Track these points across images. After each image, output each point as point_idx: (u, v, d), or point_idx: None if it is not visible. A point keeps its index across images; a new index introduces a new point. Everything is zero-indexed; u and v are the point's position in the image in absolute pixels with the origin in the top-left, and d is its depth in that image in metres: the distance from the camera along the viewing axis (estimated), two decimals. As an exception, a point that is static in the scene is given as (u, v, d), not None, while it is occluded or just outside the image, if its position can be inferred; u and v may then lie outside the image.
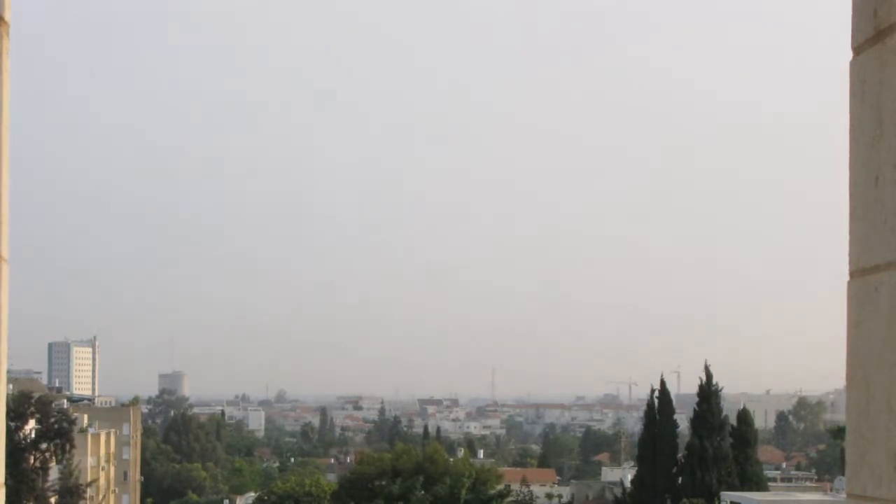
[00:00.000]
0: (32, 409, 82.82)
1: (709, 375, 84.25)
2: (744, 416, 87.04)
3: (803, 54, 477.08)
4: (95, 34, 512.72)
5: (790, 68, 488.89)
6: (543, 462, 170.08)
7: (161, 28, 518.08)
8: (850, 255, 3.57)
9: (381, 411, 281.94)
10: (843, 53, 3.62)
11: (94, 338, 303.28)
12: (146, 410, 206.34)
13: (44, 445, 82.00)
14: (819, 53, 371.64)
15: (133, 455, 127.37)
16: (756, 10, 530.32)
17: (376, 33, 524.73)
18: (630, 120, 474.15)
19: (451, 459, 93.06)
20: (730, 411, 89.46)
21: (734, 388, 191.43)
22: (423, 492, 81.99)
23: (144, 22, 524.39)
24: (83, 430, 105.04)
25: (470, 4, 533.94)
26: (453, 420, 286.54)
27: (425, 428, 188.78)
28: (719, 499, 77.09)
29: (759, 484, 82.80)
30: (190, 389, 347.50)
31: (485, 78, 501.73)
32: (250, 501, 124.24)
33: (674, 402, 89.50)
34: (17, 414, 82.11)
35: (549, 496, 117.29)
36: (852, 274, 3.55)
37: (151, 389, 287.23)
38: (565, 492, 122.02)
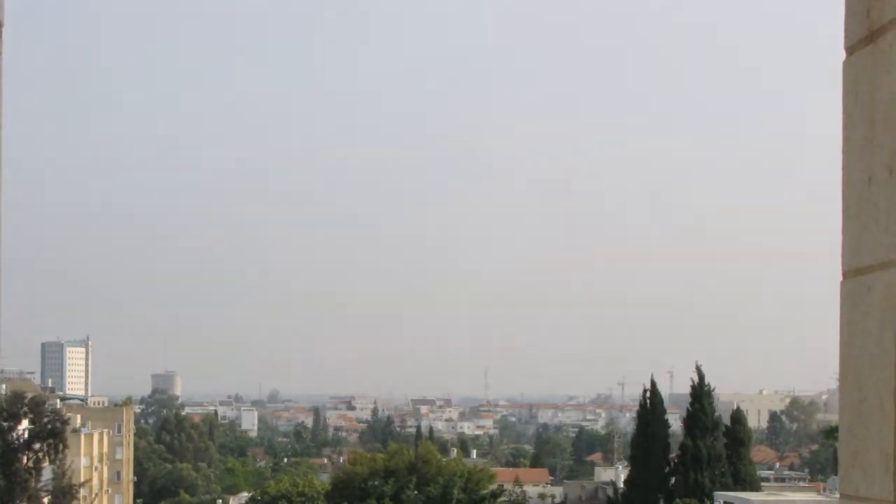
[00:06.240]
0: (25, 409, 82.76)
1: (700, 375, 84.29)
2: (737, 416, 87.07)
3: (800, 53, 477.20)
4: (94, 34, 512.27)
5: (787, 67, 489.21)
6: (536, 462, 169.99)
7: (167, 30, 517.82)
8: (844, 255, 3.57)
9: (374, 411, 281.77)
10: (838, 53, 3.62)
11: (88, 338, 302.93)
12: (139, 410, 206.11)
13: (37, 445, 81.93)
14: (816, 53, 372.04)
15: (126, 455, 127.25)
16: (752, 10, 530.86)
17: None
18: (628, 120, 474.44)
19: (444, 460, 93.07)
20: (723, 411, 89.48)
21: (727, 388, 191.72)
22: (415, 492, 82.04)
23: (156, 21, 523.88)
24: (76, 431, 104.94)
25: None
26: (446, 420, 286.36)
27: (418, 428, 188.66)
28: (712, 499, 77.12)
29: (752, 484, 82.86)
30: (182, 389, 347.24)
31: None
32: (243, 502, 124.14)
33: (667, 402, 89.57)
34: (10, 414, 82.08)
35: (543, 496, 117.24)
36: (845, 274, 3.55)
37: (144, 389, 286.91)
38: (558, 492, 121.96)
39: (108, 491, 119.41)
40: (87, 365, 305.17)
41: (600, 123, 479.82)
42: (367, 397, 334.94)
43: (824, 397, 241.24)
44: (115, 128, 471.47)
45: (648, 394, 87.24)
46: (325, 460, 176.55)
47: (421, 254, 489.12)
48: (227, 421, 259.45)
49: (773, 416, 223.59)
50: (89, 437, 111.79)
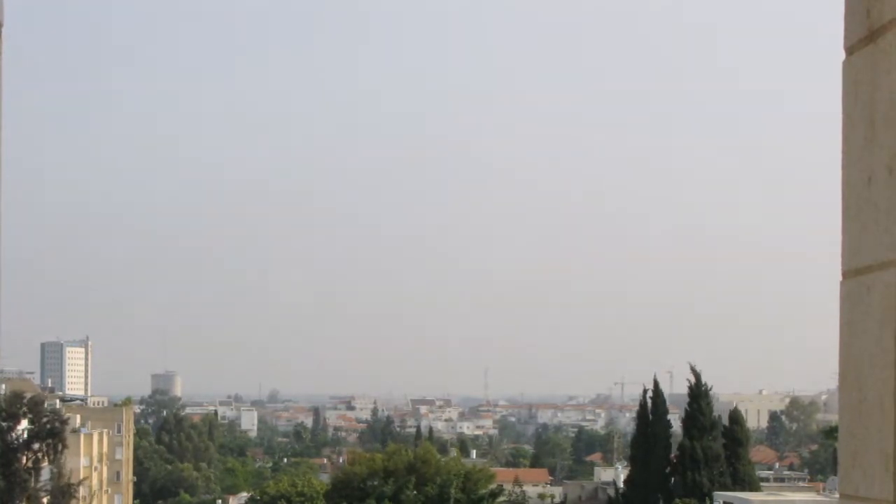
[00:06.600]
0: (25, 409, 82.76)
1: (696, 376, 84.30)
2: (736, 417, 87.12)
3: (800, 53, 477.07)
4: (95, 34, 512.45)
5: (787, 67, 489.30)
6: (536, 462, 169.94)
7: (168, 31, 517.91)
8: (843, 255, 3.57)
9: (374, 411, 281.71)
10: (838, 53, 3.62)
11: (87, 338, 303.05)
12: (139, 410, 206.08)
13: (36, 445, 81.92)
14: (816, 53, 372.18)
15: (125, 455, 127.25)
16: (752, 10, 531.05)
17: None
18: (628, 120, 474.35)
19: (444, 460, 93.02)
20: (722, 411, 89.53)
21: (727, 388, 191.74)
22: (414, 492, 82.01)
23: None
24: (76, 431, 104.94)
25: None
26: (446, 420, 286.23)
27: (418, 428, 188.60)
28: (712, 499, 77.13)
29: (751, 484, 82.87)
30: (182, 389, 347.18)
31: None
32: (243, 502, 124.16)
33: (667, 402, 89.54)
34: (9, 414, 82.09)
35: (542, 496, 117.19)
36: (845, 274, 3.55)
37: (144, 389, 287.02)
38: (558, 492, 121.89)
39: (107, 491, 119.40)
40: (86, 365, 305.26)
41: (600, 123, 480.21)
42: (366, 397, 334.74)
43: (824, 397, 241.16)
44: (116, 128, 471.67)
45: (650, 394, 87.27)
46: (325, 460, 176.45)
47: (421, 254, 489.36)
48: (226, 421, 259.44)
49: (773, 416, 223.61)
50: (89, 437, 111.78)
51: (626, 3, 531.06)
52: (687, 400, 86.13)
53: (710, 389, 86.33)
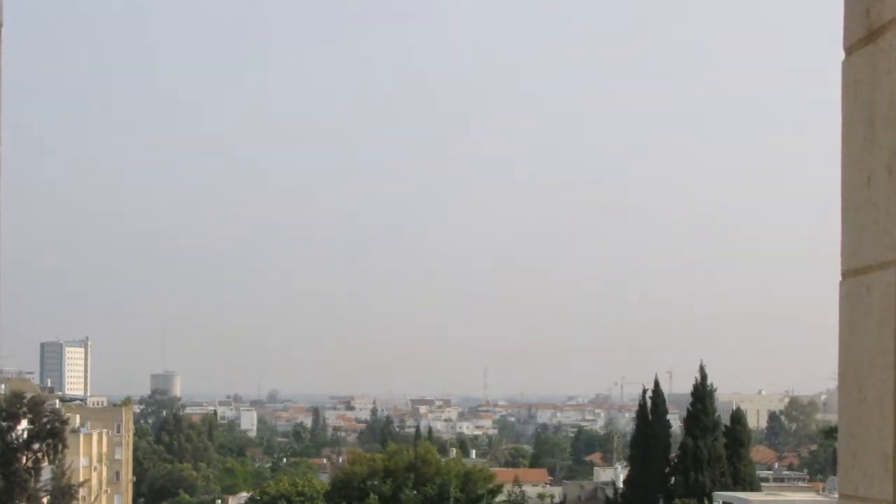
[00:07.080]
0: (25, 409, 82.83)
1: (703, 375, 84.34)
2: (737, 417, 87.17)
3: (799, 53, 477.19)
4: (95, 33, 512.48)
5: (787, 67, 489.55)
6: (535, 462, 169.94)
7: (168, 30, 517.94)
8: (843, 255, 3.57)
9: (374, 411, 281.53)
10: (838, 53, 3.62)
11: (87, 338, 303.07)
12: (138, 410, 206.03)
13: (36, 445, 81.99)
14: (815, 53, 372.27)
15: (125, 455, 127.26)
16: (751, 10, 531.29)
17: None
18: (629, 121, 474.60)
19: (444, 460, 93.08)
20: (722, 411, 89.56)
21: (726, 388, 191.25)
22: (414, 492, 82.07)
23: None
24: (75, 431, 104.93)
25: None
26: (445, 420, 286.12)
27: (417, 428, 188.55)
28: (712, 499, 77.14)
29: (752, 484, 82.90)
30: (182, 389, 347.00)
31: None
32: (243, 502, 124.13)
33: (666, 403, 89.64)
34: (9, 414, 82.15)
35: (542, 496, 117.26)
36: (844, 274, 3.55)
37: (143, 389, 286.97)
38: (557, 492, 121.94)
39: (107, 491, 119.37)
40: (86, 365, 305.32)
41: (601, 123, 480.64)
42: (366, 397, 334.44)
43: (823, 397, 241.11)
44: (115, 128, 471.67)
45: (650, 394, 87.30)
46: (325, 460, 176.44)
47: (421, 254, 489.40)
48: (226, 421, 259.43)
49: (773, 417, 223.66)
50: (88, 437, 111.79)
51: (628, 4, 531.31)
52: (687, 400, 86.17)
53: (716, 390, 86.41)
